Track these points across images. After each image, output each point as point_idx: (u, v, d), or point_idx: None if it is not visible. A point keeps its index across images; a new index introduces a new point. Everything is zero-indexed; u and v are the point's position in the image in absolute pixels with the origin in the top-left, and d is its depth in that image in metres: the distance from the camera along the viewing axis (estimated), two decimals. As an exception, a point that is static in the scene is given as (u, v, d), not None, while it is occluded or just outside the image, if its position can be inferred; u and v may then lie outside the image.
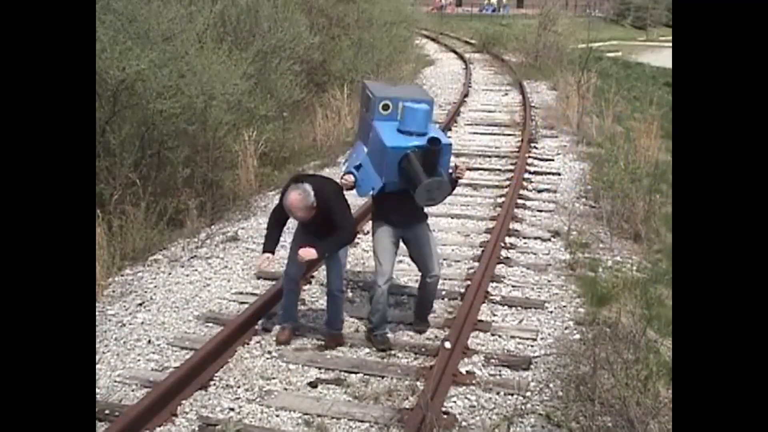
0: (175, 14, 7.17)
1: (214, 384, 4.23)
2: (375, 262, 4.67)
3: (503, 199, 7.67)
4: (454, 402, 4.01)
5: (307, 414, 3.92)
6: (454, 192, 8.06)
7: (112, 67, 6.28)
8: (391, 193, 4.47)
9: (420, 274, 4.81)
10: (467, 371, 4.32)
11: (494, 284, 5.60)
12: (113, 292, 5.56)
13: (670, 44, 24.91)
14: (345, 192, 4.49)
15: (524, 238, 6.70)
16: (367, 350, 4.63)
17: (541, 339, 4.74)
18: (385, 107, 4.49)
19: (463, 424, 3.81)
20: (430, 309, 4.93)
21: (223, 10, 9.26)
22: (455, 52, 25.01)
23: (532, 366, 4.38)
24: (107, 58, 6.30)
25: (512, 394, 4.06)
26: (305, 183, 4.28)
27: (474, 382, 4.20)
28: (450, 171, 4.53)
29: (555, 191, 8.21)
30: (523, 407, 3.91)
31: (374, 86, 4.80)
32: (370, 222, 4.96)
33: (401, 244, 4.74)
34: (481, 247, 6.36)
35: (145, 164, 7.01)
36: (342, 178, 4.53)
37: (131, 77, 6.42)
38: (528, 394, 4.08)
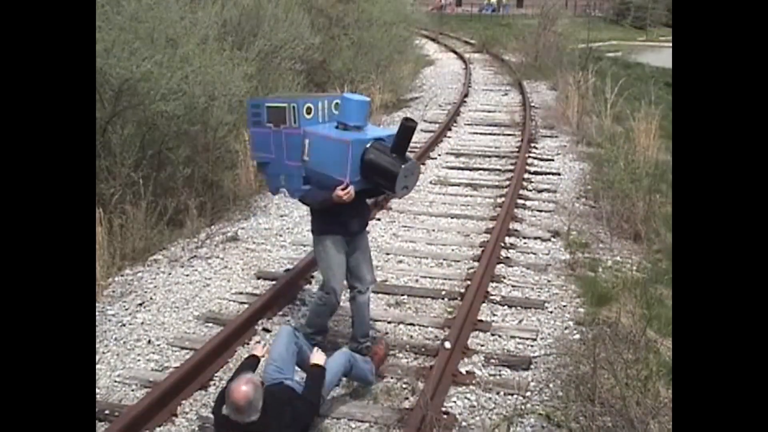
0: (180, 18, 7.16)
1: (214, 384, 4.23)
2: (327, 276, 4.27)
3: (503, 199, 7.67)
4: (454, 402, 4.02)
5: (307, 414, 3.91)
6: (454, 192, 8.24)
7: (117, 66, 6.26)
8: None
9: (352, 287, 4.40)
10: (467, 371, 4.33)
11: (494, 284, 5.60)
12: (113, 292, 5.56)
13: (670, 44, 24.89)
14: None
15: (524, 238, 6.70)
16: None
17: (541, 339, 4.74)
18: (308, 111, 4.27)
19: (463, 424, 3.81)
20: (368, 325, 4.52)
21: (224, 12, 9.25)
22: (455, 52, 25.01)
23: (532, 366, 4.38)
24: (112, 58, 6.29)
25: (512, 394, 4.06)
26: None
27: (474, 382, 4.20)
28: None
29: (555, 191, 8.21)
30: (523, 407, 3.92)
31: (273, 98, 4.59)
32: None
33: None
34: (481, 247, 6.36)
35: (146, 164, 7.00)
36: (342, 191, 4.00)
37: (135, 78, 6.41)
38: (528, 394, 4.08)
